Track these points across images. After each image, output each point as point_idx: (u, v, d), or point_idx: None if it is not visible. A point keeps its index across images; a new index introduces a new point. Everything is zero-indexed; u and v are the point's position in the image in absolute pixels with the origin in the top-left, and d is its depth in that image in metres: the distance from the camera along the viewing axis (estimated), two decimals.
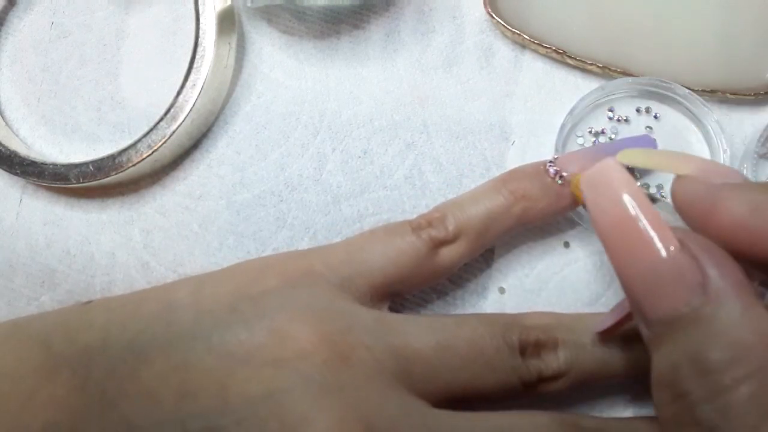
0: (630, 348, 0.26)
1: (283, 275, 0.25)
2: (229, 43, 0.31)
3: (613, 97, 0.31)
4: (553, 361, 0.25)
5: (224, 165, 0.31)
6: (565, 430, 0.24)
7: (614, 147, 0.28)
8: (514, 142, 0.31)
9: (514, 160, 0.31)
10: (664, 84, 0.29)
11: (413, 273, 0.26)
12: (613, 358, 0.25)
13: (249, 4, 0.31)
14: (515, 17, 0.31)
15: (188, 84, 0.30)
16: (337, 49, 0.32)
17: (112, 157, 0.30)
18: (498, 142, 0.31)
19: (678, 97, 0.30)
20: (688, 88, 0.29)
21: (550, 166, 0.27)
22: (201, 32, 0.30)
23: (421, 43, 0.32)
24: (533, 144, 0.31)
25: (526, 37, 0.30)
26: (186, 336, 0.24)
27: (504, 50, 0.31)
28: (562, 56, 0.30)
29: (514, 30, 0.31)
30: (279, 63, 0.32)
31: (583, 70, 0.31)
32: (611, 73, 0.30)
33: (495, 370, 0.24)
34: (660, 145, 0.30)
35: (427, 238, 0.26)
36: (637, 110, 0.30)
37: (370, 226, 0.30)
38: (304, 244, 0.30)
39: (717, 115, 0.29)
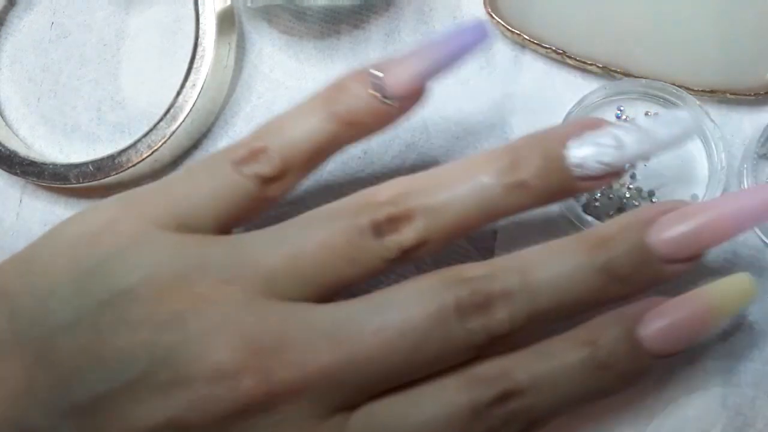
0: (484, 194, 0.24)
1: (118, 236, 0.24)
2: (229, 44, 0.31)
3: (624, 97, 0.30)
4: (410, 231, 0.24)
5: None
6: (450, 285, 0.23)
7: (448, 40, 0.26)
8: None
9: None
10: (675, 92, 0.29)
11: (246, 210, 0.26)
12: (473, 209, 0.24)
13: (249, 4, 0.31)
14: (515, 17, 0.31)
15: (188, 84, 0.30)
16: (337, 49, 0.32)
17: (112, 158, 0.30)
18: (498, 142, 0.31)
19: (684, 106, 0.30)
20: (689, 89, 0.29)
21: (373, 83, 0.25)
22: (201, 32, 0.30)
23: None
24: None
25: (526, 37, 0.31)
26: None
27: (504, 50, 0.31)
28: (562, 56, 0.30)
29: (514, 30, 0.31)
30: (279, 63, 0.32)
31: (583, 70, 0.31)
32: (611, 73, 0.30)
33: (355, 261, 0.24)
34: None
35: (252, 174, 0.25)
36: (646, 114, 0.30)
37: None
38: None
39: (717, 115, 0.29)
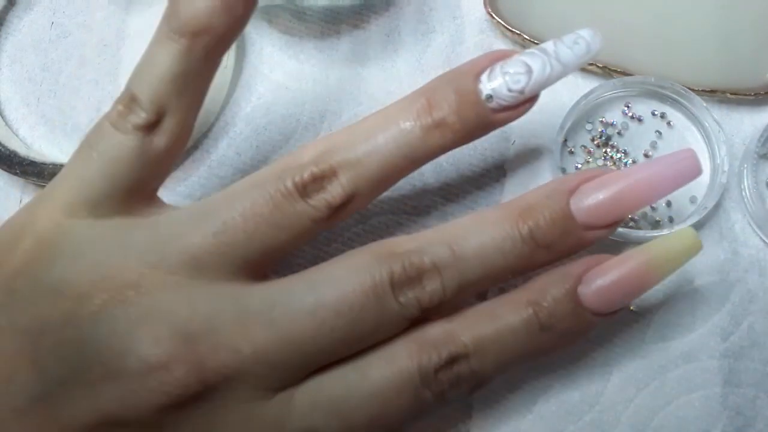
0: (404, 139, 0.24)
1: (36, 237, 0.24)
2: None
3: (632, 93, 0.31)
4: (335, 188, 0.24)
5: (224, 166, 0.31)
6: (383, 260, 0.23)
7: None
8: (514, 142, 0.31)
9: (514, 160, 0.31)
10: (683, 91, 0.29)
11: (146, 171, 0.25)
12: (396, 155, 0.24)
13: None
14: (515, 17, 0.31)
15: None
16: (338, 49, 0.32)
17: None
18: (498, 142, 0.31)
19: (691, 107, 0.30)
20: (691, 89, 0.29)
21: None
22: None
23: (421, 43, 0.32)
24: (533, 144, 0.31)
25: (526, 37, 0.31)
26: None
27: None
28: None
29: (514, 30, 0.31)
30: (279, 64, 0.32)
31: (583, 70, 0.31)
32: (611, 73, 0.30)
33: (283, 226, 0.24)
34: (662, 149, 0.30)
35: (129, 128, 0.24)
36: (653, 113, 0.30)
37: (371, 227, 0.30)
38: (306, 246, 0.30)
39: (717, 115, 0.29)
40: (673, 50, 0.30)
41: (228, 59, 0.31)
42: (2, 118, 0.33)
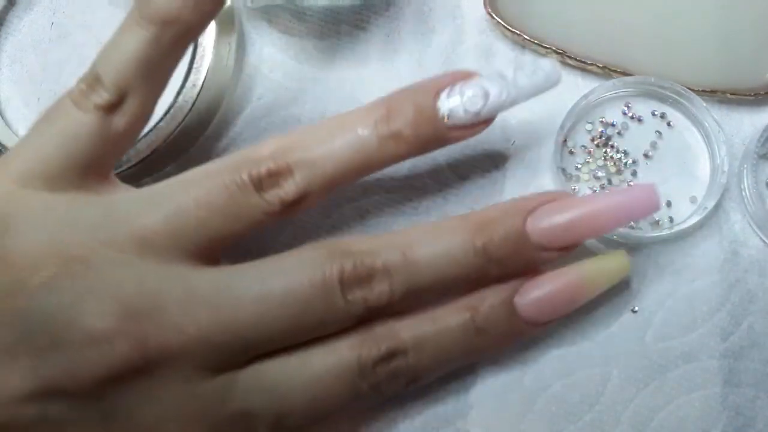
0: (360, 146, 0.25)
1: None
2: (229, 43, 0.31)
3: (632, 93, 0.31)
4: (290, 185, 0.24)
5: None
6: (335, 257, 0.24)
7: None
8: (514, 142, 0.31)
9: (514, 160, 0.31)
10: (683, 91, 0.29)
11: (103, 149, 0.25)
12: (350, 160, 0.25)
13: (249, 4, 0.31)
14: (515, 17, 0.31)
15: (188, 84, 0.30)
16: (338, 49, 0.32)
17: None
18: (498, 142, 0.31)
19: (691, 107, 0.30)
20: (691, 89, 0.29)
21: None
22: None
23: (421, 43, 0.32)
24: (533, 144, 0.31)
25: (526, 37, 0.31)
26: None
27: (504, 50, 0.31)
28: (562, 56, 0.30)
29: (514, 30, 0.31)
30: (279, 64, 0.32)
31: (583, 70, 0.31)
32: (611, 73, 0.30)
33: (235, 217, 0.24)
34: (662, 149, 0.30)
35: (91, 107, 0.25)
36: (653, 113, 0.30)
37: (371, 228, 0.30)
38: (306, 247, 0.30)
39: (717, 115, 0.29)
40: (673, 50, 0.30)
41: (228, 59, 0.31)
42: (2, 118, 0.33)
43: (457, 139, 0.26)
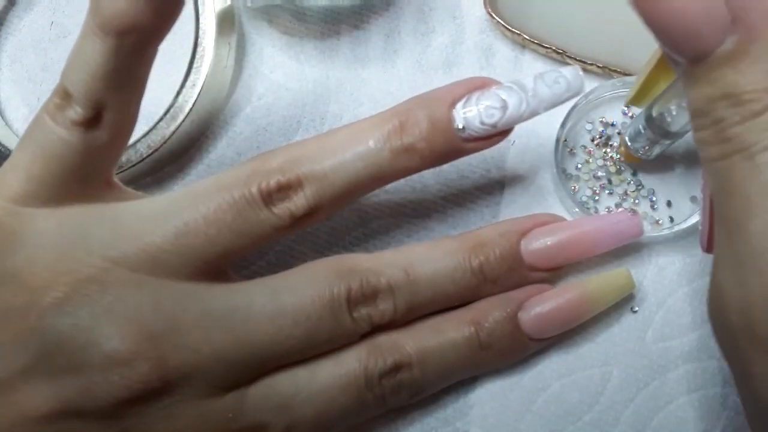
0: (372, 159, 0.25)
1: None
2: (229, 44, 0.31)
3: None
4: (300, 199, 0.24)
5: (224, 166, 0.31)
6: (342, 276, 0.24)
7: None
8: (514, 142, 0.31)
9: (514, 160, 0.31)
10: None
11: (85, 164, 0.24)
12: (362, 174, 0.25)
13: (249, 5, 0.31)
14: (515, 17, 0.31)
15: (188, 84, 0.30)
16: (338, 49, 0.32)
17: None
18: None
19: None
20: None
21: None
22: (201, 32, 0.30)
23: (421, 43, 0.32)
24: (533, 144, 0.31)
25: (526, 37, 0.31)
26: None
27: (504, 50, 0.31)
28: (562, 56, 0.30)
29: (514, 30, 0.31)
30: (279, 64, 0.32)
31: (583, 70, 0.31)
32: (611, 73, 0.30)
33: (245, 232, 0.24)
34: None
35: (67, 123, 0.23)
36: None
37: (372, 229, 0.30)
38: (306, 248, 0.30)
39: None
40: None
41: (228, 59, 0.31)
42: (2, 118, 0.33)
43: (473, 151, 0.26)
